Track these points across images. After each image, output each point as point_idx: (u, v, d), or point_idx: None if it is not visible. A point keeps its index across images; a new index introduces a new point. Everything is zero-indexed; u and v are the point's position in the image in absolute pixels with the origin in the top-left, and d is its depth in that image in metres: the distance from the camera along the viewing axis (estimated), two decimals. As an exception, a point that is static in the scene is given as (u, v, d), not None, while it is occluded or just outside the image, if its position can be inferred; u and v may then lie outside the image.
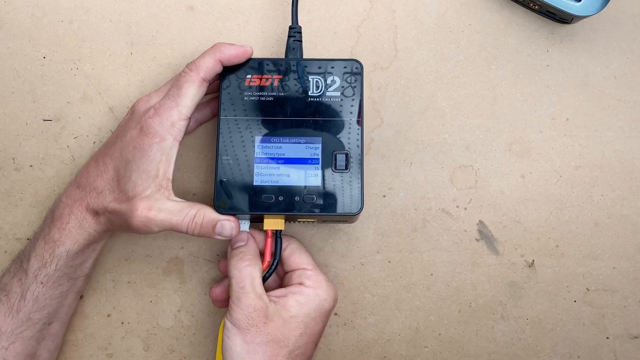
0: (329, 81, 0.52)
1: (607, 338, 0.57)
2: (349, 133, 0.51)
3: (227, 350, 0.48)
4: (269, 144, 0.51)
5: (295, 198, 0.50)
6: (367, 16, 0.59)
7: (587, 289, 0.58)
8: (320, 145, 0.51)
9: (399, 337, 0.57)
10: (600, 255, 0.58)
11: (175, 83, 0.50)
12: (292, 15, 0.55)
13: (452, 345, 0.57)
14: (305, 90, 0.52)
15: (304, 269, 0.52)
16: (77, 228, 0.51)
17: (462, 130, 0.58)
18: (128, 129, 0.51)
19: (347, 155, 0.51)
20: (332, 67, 0.52)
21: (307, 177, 0.51)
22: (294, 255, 0.53)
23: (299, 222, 0.55)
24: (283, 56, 0.55)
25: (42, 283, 0.51)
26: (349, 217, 0.52)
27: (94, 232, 0.51)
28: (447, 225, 0.58)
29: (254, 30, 0.59)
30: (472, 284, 0.57)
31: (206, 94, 0.52)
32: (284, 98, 0.52)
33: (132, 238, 0.58)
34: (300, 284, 0.51)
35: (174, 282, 0.58)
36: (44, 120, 0.58)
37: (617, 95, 0.58)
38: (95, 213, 0.51)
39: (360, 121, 0.51)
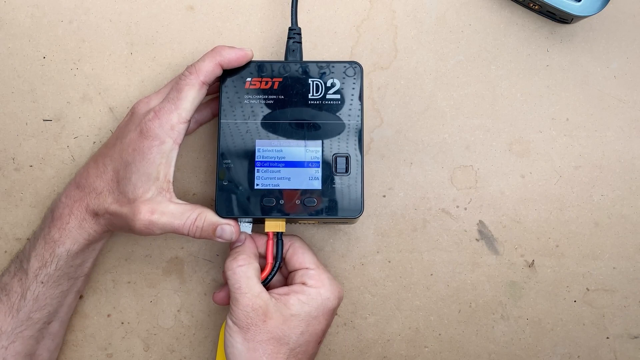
0: (328, 84, 0.52)
1: (607, 338, 0.57)
2: (349, 136, 0.51)
3: (229, 348, 0.49)
4: (269, 148, 0.51)
5: (296, 201, 0.50)
6: (367, 16, 0.59)
7: (587, 289, 0.58)
8: (320, 149, 0.51)
9: (399, 337, 0.57)
10: (600, 255, 0.58)
11: (175, 86, 0.50)
12: (291, 16, 0.55)
13: (452, 345, 0.57)
14: (305, 93, 0.52)
15: (306, 268, 0.52)
16: (77, 228, 0.51)
17: (462, 130, 0.58)
18: (128, 131, 0.51)
19: (347, 158, 0.51)
20: (332, 69, 0.52)
21: (307, 181, 0.51)
22: (296, 255, 0.53)
23: (300, 223, 0.55)
24: (283, 56, 0.55)
25: (42, 282, 0.51)
26: (350, 220, 0.52)
27: (94, 232, 0.51)
28: (447, 225, 0.58)
29: (254, 30, 0.59)
30: (472, 284, 0.57)
31: (206, 95, 0.52)
32: (284, 101, 0.52)
33: (132, 238, 0.58)
34: (303, 283, 0.51)
35: (174, 282, 0.58)
36: (44, 120, 0.58)
37: (617, 95, 0.58)
38: (95, 214, 0.51)
39: (360, 124, 0.51)
